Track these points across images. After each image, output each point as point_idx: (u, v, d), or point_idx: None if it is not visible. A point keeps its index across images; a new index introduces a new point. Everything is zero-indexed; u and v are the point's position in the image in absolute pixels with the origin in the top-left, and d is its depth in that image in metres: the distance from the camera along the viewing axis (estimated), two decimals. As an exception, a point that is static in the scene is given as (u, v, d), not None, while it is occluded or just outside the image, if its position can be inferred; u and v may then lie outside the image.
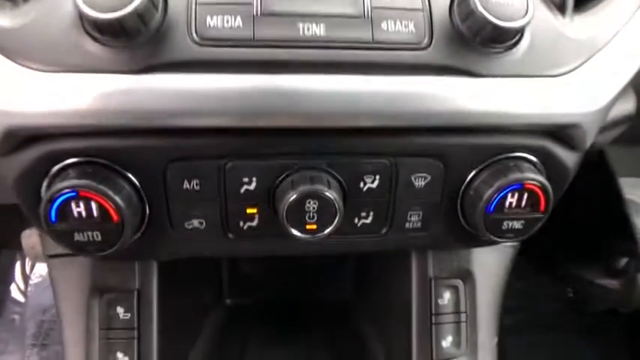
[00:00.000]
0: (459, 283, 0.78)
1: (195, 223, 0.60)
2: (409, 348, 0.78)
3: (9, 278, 1.77)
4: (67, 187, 0.53)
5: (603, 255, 1.13)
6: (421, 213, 0.62)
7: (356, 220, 0.61)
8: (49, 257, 0.75)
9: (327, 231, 0.57)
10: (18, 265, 1.75)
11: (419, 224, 0.63)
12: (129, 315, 0.74)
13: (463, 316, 0.78)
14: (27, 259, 1.71)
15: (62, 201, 0.54)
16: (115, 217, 0.55)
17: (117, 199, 0.54)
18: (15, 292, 1.75)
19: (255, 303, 1.09)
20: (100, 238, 0.56)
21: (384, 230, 0.63)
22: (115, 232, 0.56)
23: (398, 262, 0.81)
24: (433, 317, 0.77)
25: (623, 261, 1.08)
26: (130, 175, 0.56)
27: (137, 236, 0.61)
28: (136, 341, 0.74)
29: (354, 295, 1.09)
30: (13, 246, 1.41)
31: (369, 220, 0.61)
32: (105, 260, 0.72)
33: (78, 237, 0.56)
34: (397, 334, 0.83)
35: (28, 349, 1.62)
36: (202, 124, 0.53)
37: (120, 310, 0.74)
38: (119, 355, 0.73)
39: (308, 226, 0.56)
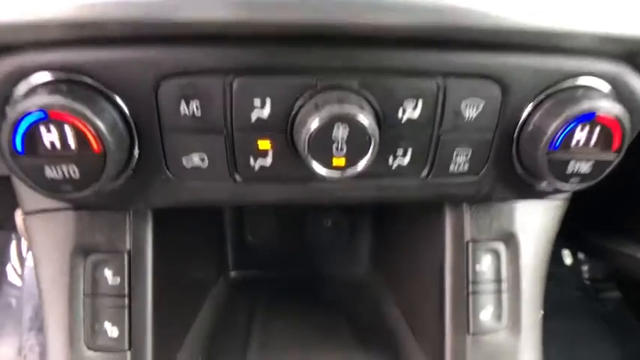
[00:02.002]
0: (501, 246, 0.67)
1: (196, 159, 0.49)
2: (441, 322, 0.67)
3: (4, 260, 1.69)
4: (34, 107, 0.42)
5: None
6: (470, 152, 0.51)
7: (390, 160, 0.51)
8: (26, 214, 0.64)
9: (358, 167, 0.46)
10: (14, 246, 1.66)
11: (466, 166, 0.52)
12: (118, 279, 0.63)
13: (505, 285, 0.67)
14: (22, 240, 1.62)
15: (29, 125, 0.43)
16: (95, 145, 0.44)
17: (97, 121, 0.43)
18: (11, 275, 1.68)
19: (262, 276, 0.99)
20: (77, 175, 0.46)
21: (423, 173, 0.52)
22: (95, 166, 0.45)
23: (428, 224, 0.71)
24: (470, 286, 0.66)
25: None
26: (114, 97, 0.46)
27: (125, 176, 0.50)
28: (126, 310, 0.63)
29: (373, 267, 0.98)
30: (8, 227, 1.32)
31: (406, 160, 0.51)
32: (88, 210, 0.61)
33: (50, 173, 0.45)
34: (426, 308, 0.72)
35: (25, 332, 1.54)
36: (200, 21, 0.42)
37: (108, 273, 0.63)
38: (106, 324, 0.63)
39: (335, 161, 0.46)
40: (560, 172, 0.50)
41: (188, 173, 0.50)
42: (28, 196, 0.63)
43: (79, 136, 0.44)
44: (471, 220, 0.67)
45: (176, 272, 0.73)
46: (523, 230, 0.68)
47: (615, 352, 1.75)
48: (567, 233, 0.76)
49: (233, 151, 0.49)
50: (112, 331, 0.63)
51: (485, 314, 0.66)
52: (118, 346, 0.63)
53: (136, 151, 0.49)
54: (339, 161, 0.45)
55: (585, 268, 1.90)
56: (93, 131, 0.43)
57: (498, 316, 0.67)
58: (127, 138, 0.47)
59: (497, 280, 0.67)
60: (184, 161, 0.50)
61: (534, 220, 0.69)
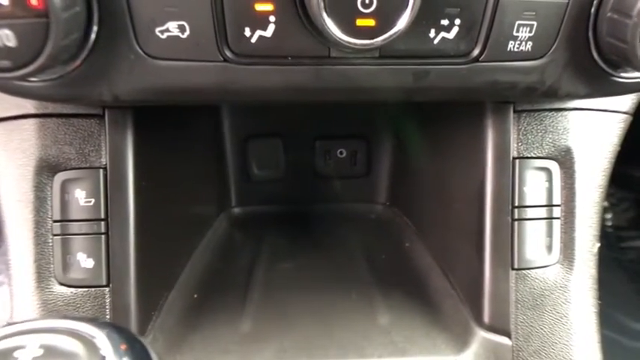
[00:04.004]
0: (553, 165, 0.56)
1: (173, 27, 0.37)
2: (480, 256, 0.56)
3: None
4: None
5: None
6: (535, 25, 0.39)
7: (433, 33, 0.38)
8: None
9: (391, 31, 0.34)
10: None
11: (529, 45, 0.40)
12: (92, 201, 0.53)
13: (557, 211, 0.56)
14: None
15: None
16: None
17: None
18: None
19: (268, 212, 0.88)
20: (15, 42, 0.34)
21: (474, 52, 0.40)
22: (37, 32, 0.34)
23: (465, 138, 0.59)
24: (515, 211, 0.55)
25: None
26: None
27: (84, 56, 0.38)
28: (103, 237, 0.53)
29: (392, 201, 0.87)
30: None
31: (453, 33, 0.39)
32: (55, 117, 0.50)
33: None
34: (460, 241, 0.61)
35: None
36: None
37: (80, 194, 0.53)
38: (80, 256, 0.53)
39: (360, 21, 0.33)
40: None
41: (164, 48, 0.38)
42: None
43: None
44: (519, 132, 0.55)
45: (166, 197, 0.62)
46: (581, 146, 0.57)
47: (635, 300, 1.70)
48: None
49: (222, 17, 0.37)
50: (87, 262, 0.53)
51: (533, 245, 0.55)
52: (95, 281, 0.53)
53: (95, 18, 0.37)
54: (366, 21, 0.33)
55: (609, 216, 1.84)
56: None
57: (549, 247, 0.56)
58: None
59: (549, 204, 0.56)
60: (158, 32, 0.37)
61: (594, 135, 0.58)
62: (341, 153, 0.85)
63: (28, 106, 0.54)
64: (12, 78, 0.36)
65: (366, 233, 0.79)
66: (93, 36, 0.38)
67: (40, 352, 0.25)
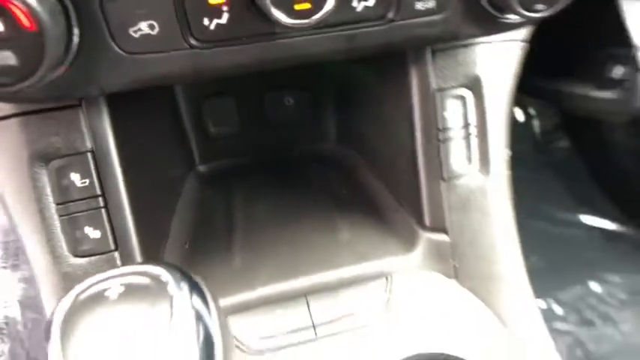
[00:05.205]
0: (467, 92, 0.68)
1: (144, 27, 0.45)
2: (416, 173, 0.69)
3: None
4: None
5: (596, 67, 1.06)
6: None
7: (355, 3, 0.48)
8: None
9: (323, 10, 0.43)
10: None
11: (432, 3, 0.50)
12: (87, 181, 0.60)
13: (473, 129, 0.69)
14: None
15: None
16: (29, 23, 0.39)
17: None
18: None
19: (232, 165, 0.97)
20: (16, 61, 0.41)
21: (390, 14, 0.50)
22: (35, 49, 0.40)
23: (394, 80, 0.70)
24: (440, 133, 0.68)
25: (619, 69, 1.02)
26: None
27: (70, 59, 0.45)
28: (103, 210, 0.61)
29: (341, 141, 0.99)
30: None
31: (371, 2, 0.48)
32: (38, 113, 0.56)
33: (-15, 65, 0.41)
34: (400, 164, 0.74)
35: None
36: None
37: (75, 177, 0.60)
38: (87, 229, 0.61)
39: (298, 5, 0.43)
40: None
41: (139, 44, 0.46)
42: None
43: (8, 16, 0.39)
44: (435, 69, 0.66)
45: (145, 165, 0.70)
46: (487, 73, 0.69)
47: (564, 196, 1.91)
48: (521, 84, 0.77)
49: (184, 12, 0.45)
50: (94, 234, 0.62)
51: (456, 159, 0.69)
52: (105, 248, 0.62)
53: (75, 29, 0.44)
54: (302, 5, 0.43)
55: (537, 123, 2.01)
56: (24, 8, 0.38)
57: (469, 159, 0.69)
58: (62, 11, 0.42)
59: (465, 125, 0.69)
60: (132, 32, 0.45)
61: (497, 62, 0.70)
62: (289, 102, 0.94)
63: (7, 107, 0.60)
64: (14, 91, 0.43)
65: (322, 169, 0.91)
66: (76, 41, 0.45)
67: (122, 289, 0.34)
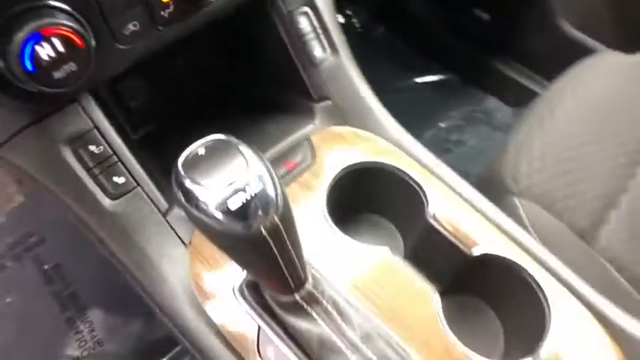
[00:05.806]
0: (307, 8, 1.06)
1: (131, 27, 0.74)
2: (294, 65, 1.04)
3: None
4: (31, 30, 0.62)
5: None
6: None
7: None
8: (3, 143, 0.79)
9: None
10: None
11: None
12: (102, 147, 0.84)
13: (319, 30, 1.06)
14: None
15: (32, 48, 0.63)
16: (79, 42, 0.66)
17: (73, 24, 0.65)
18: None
19: (162, 129, 1.17)
20: (75, 67, 0.67)
21: None
22: (84, 56, 0.67)
23: (261, 22, 1.04)
24: (302, 38, 1.03)
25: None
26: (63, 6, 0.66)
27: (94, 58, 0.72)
28: (119, 163, 0.83)
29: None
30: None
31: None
32: (49, 115, 0.79)
33: (57, 74, 0.66)
34: (286, 68, 1.09)
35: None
36: None
37: (92, 147, 0.81)
38: (115, 179, 0.86)
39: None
40: None
41: (130, 39, 0.75)
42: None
43: (68, 41, 0.65)
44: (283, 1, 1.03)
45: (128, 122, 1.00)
46: (315, -7, 1.07)
47: (385, 67, 2.49)
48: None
49: (152, 13, 0.75)
50: (120, 180, 0.89)
51: (317, 50, 1.06)
52: (130, 187, 0.85)
53: (92, 40, 0.71)
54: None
55: (356, 20, 2.50)
56: (77, 35, 0.65)
57: (323, 48, 1.08)
58: (89, 27, 0.69)
59: (314, 29, 1.06)
60: (124, 31, 0.74)
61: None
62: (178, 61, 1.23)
63: (26, 118, 0.79)
64: (76, 87, 0.69)
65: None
66: (94, 42, 0.70)
67: (204, 150, 0.61)
